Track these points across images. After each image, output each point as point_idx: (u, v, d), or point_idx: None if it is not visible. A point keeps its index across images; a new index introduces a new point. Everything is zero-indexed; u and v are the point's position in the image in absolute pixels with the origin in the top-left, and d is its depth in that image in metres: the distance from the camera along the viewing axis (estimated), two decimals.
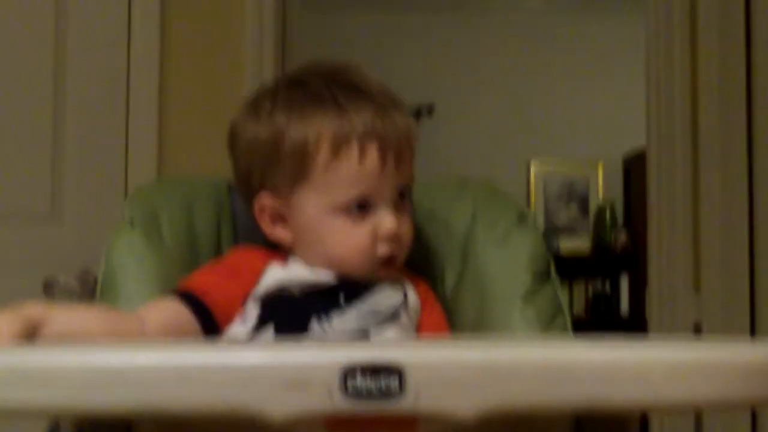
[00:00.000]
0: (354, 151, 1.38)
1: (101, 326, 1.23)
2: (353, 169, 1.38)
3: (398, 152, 1.41)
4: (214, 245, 1.59)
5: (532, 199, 7.03)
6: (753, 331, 2.99)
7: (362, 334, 1.36)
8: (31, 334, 1.13)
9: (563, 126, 7.01)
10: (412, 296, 1.46)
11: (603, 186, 7.11)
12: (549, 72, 7.02)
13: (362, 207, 1.40)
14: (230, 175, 1.69)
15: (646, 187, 3.33)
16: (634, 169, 6.72)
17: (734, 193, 3.02)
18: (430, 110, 6.70)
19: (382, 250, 1.41)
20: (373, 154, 1.38)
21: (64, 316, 1.19)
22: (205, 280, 1.40)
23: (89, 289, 2.52)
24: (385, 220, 1.40)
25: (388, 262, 1.43)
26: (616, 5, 6.80)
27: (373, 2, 6.89)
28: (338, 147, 1.38)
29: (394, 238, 1.41)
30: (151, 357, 0.89)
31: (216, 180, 1.67)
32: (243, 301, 1.39)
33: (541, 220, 6.87)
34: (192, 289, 1.37)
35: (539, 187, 7.09)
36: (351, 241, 1.41)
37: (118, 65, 2.75)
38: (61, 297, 2.54)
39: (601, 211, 6.99)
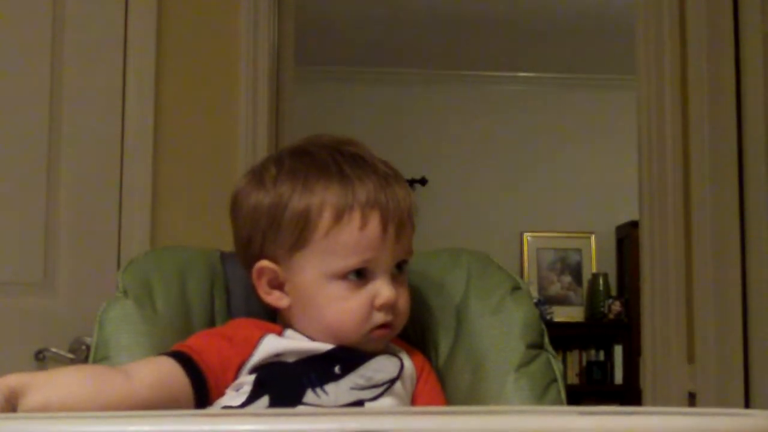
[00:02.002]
0: (356, 219, 1.39)
1: (85, 390, 1.21)
2: (354, 237, 1.39)
3: (399, 224, 1.42)
4: (208, 315, 1.59)
5: (526, 270, 7.05)
6: (747, 401, 2.98)
7: (357, 406, 1.35)
8: (12, 405, 1.12)
9: (556, 198, 7.04)
10: (409, 367, 1.46)
11: (596, 257, 7.13)
12: (541, 144, 7.07)
13: (360, 275, 1.41)
14: (224, 245, 1.69)
15: (638, 257, 3.34)
16: (627, 240, 6.75)
17: (727, 263, 3.02)
18: (422, 183, 6.73)
19: (378, 318, 1.42)
20: (374, 223, 1.40)
21: (46, 384, 1.18)
22: (200, 342, 1.39)
23: (82, 359, 2.51)
24: (383, 289, 1.41)
25: (383, 330, 1.43)
26: (608, 79, 6.86)
27: (366, 76, 6.94)
28: (341, 215, 1.39)
29: (391, 308, 1.42)
30: (141, 425, 0.89)
31: (208, 249, 1.67)
32: (236, 370, 1.38)
33: (534, 291, 6.88)
34: (186, 350, 1.36)
35: (532, 258, 7.11)
36: (347, 308, 1.41)
37: (112, 135, 2.75)
38: (54, 367, 2.53)
39: (594, 281, 7.01)
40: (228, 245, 1.72)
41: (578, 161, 7.04)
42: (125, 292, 1.53)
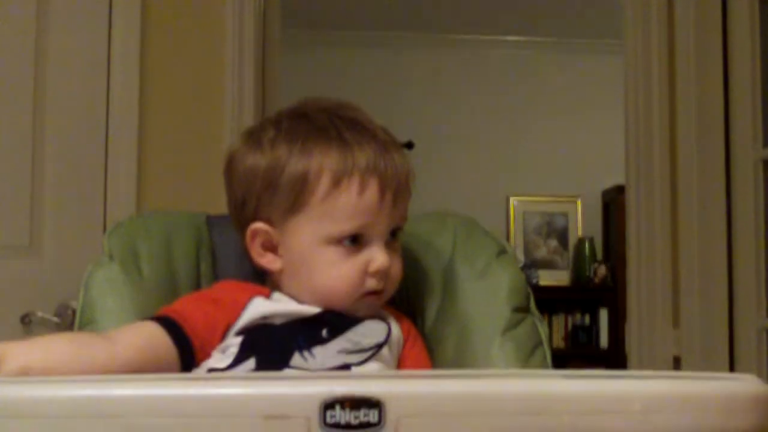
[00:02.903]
0: (354, 185, 1.38)
1: (67, 356, 1.20)
2: (351, 203, 1.38)
3: (396, 191, 1.41)
4: (193, 278, 1.58)
5: (512, 234, 7.05)
6: (732, 365, 2.99)
7: (343, 369, 1.35)
8: None
9: (542, 162, 7.04)
10: (396, 331, 1.46)
11: (582, 221, 7.14)
12: (528, 108, 7.06)
13: (355, 241, 1.40)
14: (210, 208, 1.69)
15: (624, 221, 3.34)
16: (613, 204, 6.76)
17: (713, 227, 3.03)
18: (409, 147, 6.71)
19: (370, 284, 1.41)
20: (372, 189, 1.39)
21: (26, 350, 1.18)
22: (185, 306, 1.39)
23: (68, 322, 2.51)
24: (377, 255, 1.41)
25: (375, 296, 1.43)
26: (595, 43, 6.84)
27: (352, 39, 6.92)
28: (339, 180, 1.38)
29: (384, 275, 1.42)
30: (126, 388, 0.89)
31: (194, 213, 1.67)
32: (223, 332, 1.38)
33: (520, 255, 6.89)
34: (170, 313, 1.36)
35: (519, 222, 7.12)
36: (340, 273, 1.40)
37: (98, 99, 2.74)
38: (39, 331, 2.53)
39: (580, 246, 7.02)
40: (214, 209, 1.72)
41: (565, 125, 7.04)
42: (111, 256, 1.53)
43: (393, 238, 1.44)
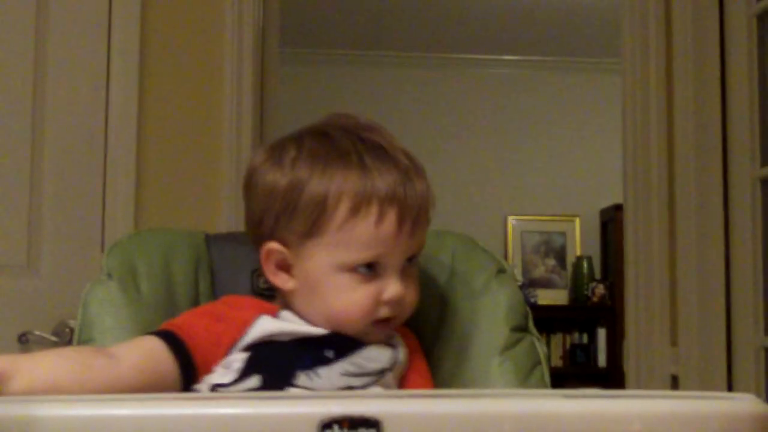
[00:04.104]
0: (373, 213, 1.36)
1: (71, 374, 1.21)
2: (369, 231, 1.36)
3: (415, 220, 1.40)
4: (192, 296, 1.58)
5: (510, 253, 7.05)
6: (730, 384, 2.99)
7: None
8: None
9: (540, 181, 7.05)
10: (402, 354, 1.45)
11: (580, 240, 7.14)
12: (526, 128, 7.07)
13: (371, 268, 1.38)
14: (208, 227, 1.69)
15: (622, 240, 3.34)
16: (611, 223, 6.77)
17: (710, 246, 3.03)
18: None
19: (383, 312, 1.40)
20: (391, 219, 1.37)
21: (30, 368, 1.18)
22: (188, 321, 1.39)
23: (66, 341, 2.51)
24: (391, 285, 1.39)
25: (386, 323, 1.41)
26: (593, 63, 6.86)
27: (351, 57, 6.93)
28: (358, 207, 1.36)
29: (397, 303, 1.40)
30: (129, 409, 0.89)
31: (193, 232, 1.67)
32: (228, 348, 1.37)
33: (519, 274, 6.89)
34: (172, 327, 1.36)
35: (517, 241, 7.12)
36: (353, 299, 1.38)
37: (96, 118, 2.74)
38: (37, 350, 2.52)
39: (578, 264, 7.03)
40: (212, 227, 1.72)
41: (563, 144, 7.05)
42: (109, 275, 1.53)
43: (410, 263, 1.42)
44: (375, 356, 1.41)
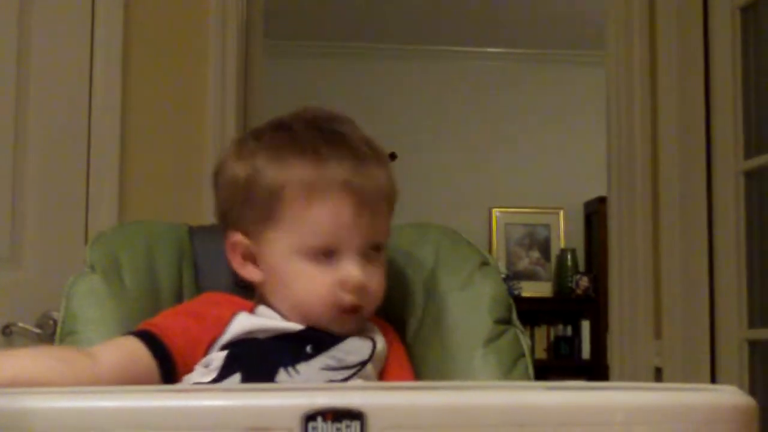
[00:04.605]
0: (327, 200, 1.38)
1: (50, 370, 1.21)
2: (323, 217, 1.38)
3: (373, 208, 1.40)
4: (176, 289, 1.58)
5: (494, 246, 7.06)
6: (713, 377, 3.00)
7: None
8: None
9: (525, 174, 7.06)
10: (381, 346, 1.45)
11: (564, 232, 7.15)
12: (511, 120, 7.08)
13: (329, 255, 1.39)
14: (191, 219, 1.69)
15: (606, 233, 3.35)
16: (595, 215, 6.78)
17: (694, 239, 3.04)
18: (392, 158, 6.71)
19: (346, 300, 1.40)
20: (346, 206, 1.38)
21: (12, 363, 1.18)
22: (167, 321, 1.39)
23: (49, 333, 2.50)
24: (350, 270, 1.39)
25: (352, 312, 1.41)
26: (577, 55, 6.87)
27: (335, 49, 6.92)
28: (312, 195, 1.38)
29: (359, 289, 1.40)
30: (111, 400, 0.89)
31: (176, 224, 1.67)
32: (206, 347, 1.38)
33: (503, 266, 6.89)
34: (151, 327, 1.36)
35: (501, 234, 7.13)
36: (313, 286, 1.39)
37: (79, 110, 2.74)
38: (20, 342, 2.51)
39: (562, 257, 7.04)
40: (196, 219, 1.71)
41: (547, 137, 7.06)
42: (93, 267, 1.53)
43: (375, 252, 1.43)
44: (354, 349, 1.41)
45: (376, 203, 1.41)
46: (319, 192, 1.38)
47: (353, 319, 1.42)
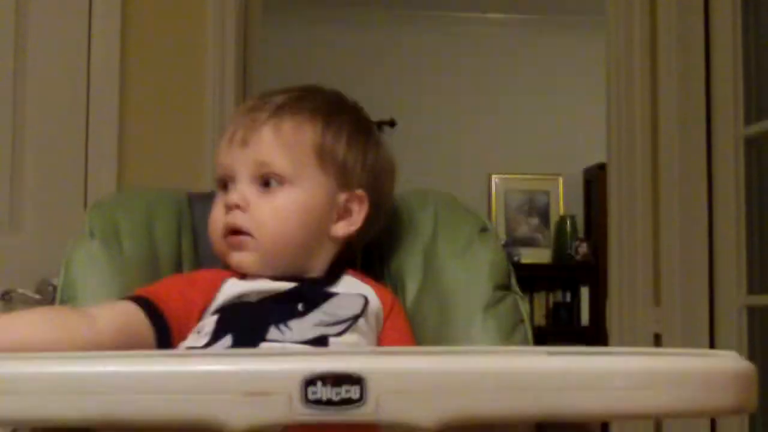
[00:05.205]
0: (225, 133, 1.48)
1: (49, 334, 1.21)
2: (219, 148, 1.48)
3: (246, 133, 1.45)
4: (175, 255, 1.59)
5: (493, 212, 7.05)
6: (712, 342, 3.00)
7: (321, 343, 1.35)
8: None
9: (524, 140, 7.04)
10: (374, 303, 1.45)
11: (563, 199, 7.15)
12: (510, 87, 7.05)
13: (225, 187, 1.47)
14: (190, 186, 1.69)
15: (606, 199, 3.35)
16: (594, 182, 6.77)
17: (694, 205, 3.04)
18: (391, 125, 6.71)
19: (229, 219, 1.44)
20: (235, 135, 1.46)
21: (8, 327, 1.19)
22: (163, 288, 1.39)
23: (48, 299, 2.50)
24: (231, 192, 1.45)
25: (232, 235, 1.44)
26: (576, 21, 6.84)
27: (333, 17, 6.89)
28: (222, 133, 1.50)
29: (235, 209, 1.44)
30: (109, 365, 0.89)
31: (176, 191, 1.67)
32: (199, 313, 1.38)
33: (502, 233, 6.89)
34: (148, 294, 1.36)
35: (500, 200, 7.12)
36: (212, 216, 1.48)
37: (78, 75, 2.73)
38: (20, 308, 2.52)
39: (561, 223, 7.03)
40: (194, 186, 1.71)
41: (547, 103, 7.03)
42: (92, 233, 1.53)
43: (266, 188, 1.44)
44: (346, 303, 1.42)
45: (250, 128, 1.46)
46: (226, 127, 1.50)
47: (242, 248, 1.44)
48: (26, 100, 2.66)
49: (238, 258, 1.44)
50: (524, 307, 1.55)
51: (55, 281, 2.32)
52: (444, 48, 7.03)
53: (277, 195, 1.44)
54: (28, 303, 2.54)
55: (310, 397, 0.86)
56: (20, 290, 2.56)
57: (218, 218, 1.46)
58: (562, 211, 7.13)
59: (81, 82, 2.73)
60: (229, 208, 1.44)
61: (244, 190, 1.44)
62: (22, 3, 2.68)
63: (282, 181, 1.44)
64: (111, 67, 2.76)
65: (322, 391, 0.86)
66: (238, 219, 1.43)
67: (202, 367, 0.89)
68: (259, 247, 1.43)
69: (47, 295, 2.53)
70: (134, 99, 2.80)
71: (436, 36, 7.02)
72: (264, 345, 1.32)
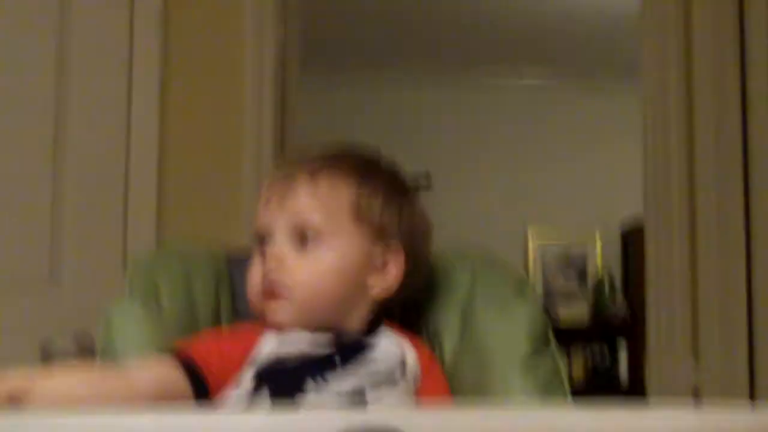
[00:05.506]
0: (264, 191, 1.50)
1: (87, 389, 1.22)
2: (259, 205, 1.50)
3: (283, 193, 1.47)
4: (213, 315, 1.59)
5: (530, 268, 7.03)
6: (752, 396, 2.98)
7: (359, 395, 1.35)
8: (15, 404, 1.13)
9: (561, 196, 7.03)
10: (411, 358, 1.46)
11: (601, 255, 7.12)
12: (546, 143, 7.06)
13: (263, 242, 1.47)
14: (227, 242, 1.70)
15: (644, 256, 3.33)
16: (632, 239, 6.74)
17: (732, 260, 3.02)
18: (427, 180, 6.72)
19: (264, 273, 1.45)
20: (273, 191, 1.48)
21: (49, 382, 1.19)
22: (202, 343, 1.40)
23: (86, 350, 2.51)
24: (270, 247, 1.46)
25: (270, 290, 1.44)
26: (613, 78, 6.84)
27: (373, 76, 6.93)
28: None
29: (274, 265, 1.44)
30: (149, 420, 0.89)
31: (214, 250, 1.68)
32: (239, 368, 1.38)
33: (539, 289, 6.86)
34: (187, 349, 1.37)
35: (537, 256, 7.10)
36: (251, 273, 1.49)
37: (118, 132, 2.76)
38: (58, 360, 2.53)
39: (599, 280, 6.99)
40: (232, 242, 1.72)
41: (584, 160, 7.03)
42: (131, 292, 1.54)
43: (303, 245, 1.45)
44: (383, 357, 1.42)
45: (287, 188, 1.47)
46: (264, 189, 1.51)
47: (278, 303, 1.44)
48: (66, 155, 2.69)
49: (273, 313, 1.45)
50: (562, 364, 1.55)
51: (92, 332, 2.34)
52: (481, 106, 7.05)
53: (313, 252, 1.45)
54: (67, 355, 2.55)
55: None
56: (59, 343, 2.58)
57: (256, 276, 1.47)
58: (599, 268, 7.09)
59: (121, 138, 2.76)
60: (267, 261, 1.45)
61: (281, 246, 1.45)
62: (63, 63, 2.71)
63: (318, 237, 1.45)
64: (150, 123, 2.79)
65: None
66: (275, 275, 1.44)
67: (241, 422, 0.89)
68: (294, 303, 1.44)
69: (85, 347, 2.54)
70: (173, 157, 2.83)
71: (472, 94, 7.04)
72: (301, 397, 1.32)
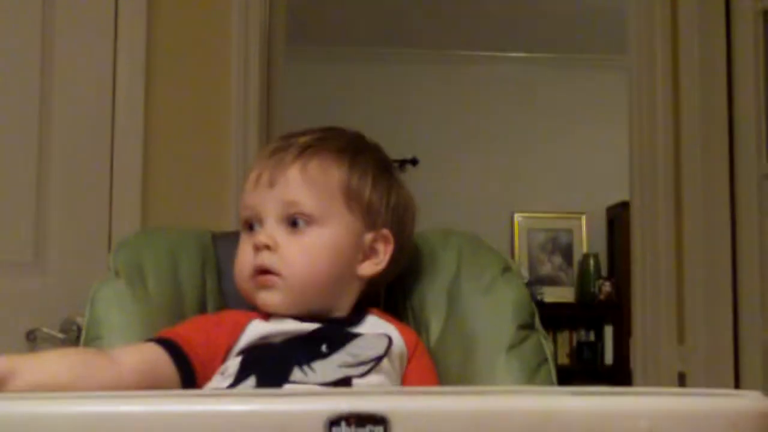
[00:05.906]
0: (250, 174, 1.49)
1: (72, 373, 1.22)
2: (245, 189, 1.49)
3: (273, 174, 1.46)
4: (199, 295, 1.59)
5: (516, 251, 7.05)
6: (737, 382, 2.99)
7: (344, 383, 1.35)
8: None
9: (547, 178, 7.04)
10: (398, 343, 1.45)
11: (587, 237, 7.14)
12: (532, 125, 7.06)
13: (252, 227, 1.47)
14: (213, 226, 1.70)
15: (629, 237, 3.34)
16: (617, 220, 6.76)
17: (717, 243, 3.03)
18: (413, 163, 6.72)
19: (257, 260, 1.44)
20: (261, 175, 1.47)
21: (33, 366, 1.18)
22: (188, 329, 1.40)
23: (73, 338, 2.51)
24: (259, 231, 1.45)
25: (261, 274, 1.44)
26: (600, 59, 6.85)
27: (357, 56, 6.92)
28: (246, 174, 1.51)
29: (264, 249, 1.44)
30: (134, 405, 0.89)
31: (200, 230, 1.67)
32: (224, 355, 1.38)
33: (525, 272, 6.88)
34: (173, 335, 1.37)
35: (523, 239, 7.11)
36: (240, 257, 1.48)
37: (102, 115, 2.75)
38: (45, 347, 2.52)
39: (584, 262, 7.02)
40: (218, 225, 1.72)
41: (569, 141, 7.04)
42: (117, 273, 1.53)
43: (294, 227, 1.45)
44: (369, 344, 1.42)
45: (275, 169, 1.46)
46: (251, 170, 1.49)
47: (271, 288, 1.44)
48: (51, 141, 2.68)
49: (264, 297, 1.45)
50: (548, 346, 1.55)
51: (79, 320, 2.33)
52: (466, 87, 7.05)
53: (305, 235, 1.45)
54: (53, 342, 2.55)
55: None
56: (45, 329, 2.57)
57: (246, 259, 1.46)
58: (585, 250, 7.11)
59: (105, 123, 2.75)
60: (258, 248, 1.44)
61: (272, 230, 1.45)
62: (47, 47, 2.70)
63: (310, 221, 1.45)
64: (135, 106, 2.78)
65: None
66: (267, 259, 1.44)
67: (225, 407, 0.89)
68: (287, 287, 1.44)
69: (72, 335, 2.54)
70: (158, 140, 2.82)
71: (459, 75, 7.04)
72: (287, 386, 1.32)
